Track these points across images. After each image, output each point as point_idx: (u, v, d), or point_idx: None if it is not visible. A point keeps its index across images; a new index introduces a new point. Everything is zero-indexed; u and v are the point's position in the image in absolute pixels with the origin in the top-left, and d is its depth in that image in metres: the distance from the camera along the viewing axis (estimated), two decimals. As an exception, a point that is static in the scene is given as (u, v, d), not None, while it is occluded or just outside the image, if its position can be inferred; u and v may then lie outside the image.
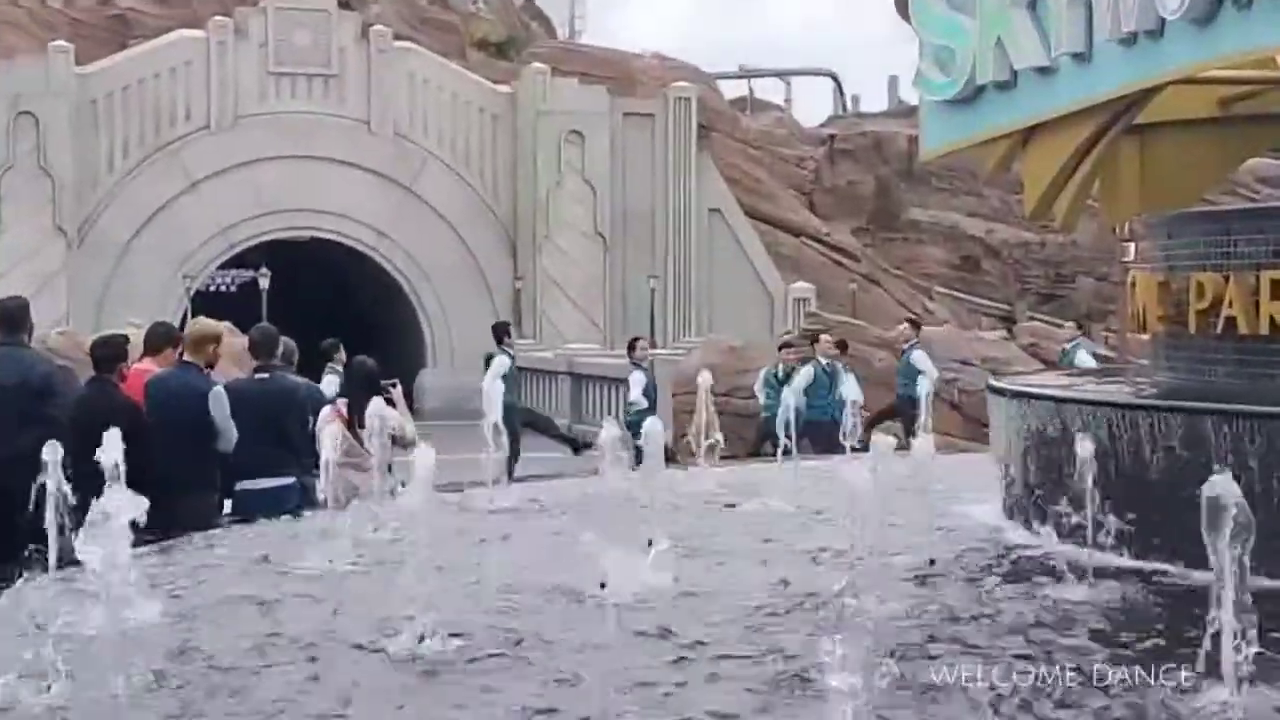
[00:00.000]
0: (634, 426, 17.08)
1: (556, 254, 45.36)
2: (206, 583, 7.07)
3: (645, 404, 17.87)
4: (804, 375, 16.73)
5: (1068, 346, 21.04)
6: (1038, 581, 6.55)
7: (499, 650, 5.51)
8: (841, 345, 19.61)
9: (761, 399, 19.46)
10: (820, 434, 14.80)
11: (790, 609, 6.16)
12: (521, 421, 19.74)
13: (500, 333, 20.64)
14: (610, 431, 6.83)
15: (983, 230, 57.28)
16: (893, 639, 5.45)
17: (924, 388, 15.34)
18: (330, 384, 18.54)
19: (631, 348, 20.53)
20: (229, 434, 9.34)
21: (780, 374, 18.76)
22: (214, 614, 6.33)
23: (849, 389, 11.90)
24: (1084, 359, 20.17)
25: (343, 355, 19.58)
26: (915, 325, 20.93)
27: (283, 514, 9.10)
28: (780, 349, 20.28)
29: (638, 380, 19.28)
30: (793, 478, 9.54)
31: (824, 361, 18.41)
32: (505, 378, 19.93)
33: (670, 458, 11.88)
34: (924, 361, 19.26)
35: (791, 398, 10.18)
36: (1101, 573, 6.50)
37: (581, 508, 8.88)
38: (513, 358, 20.42)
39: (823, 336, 20.14)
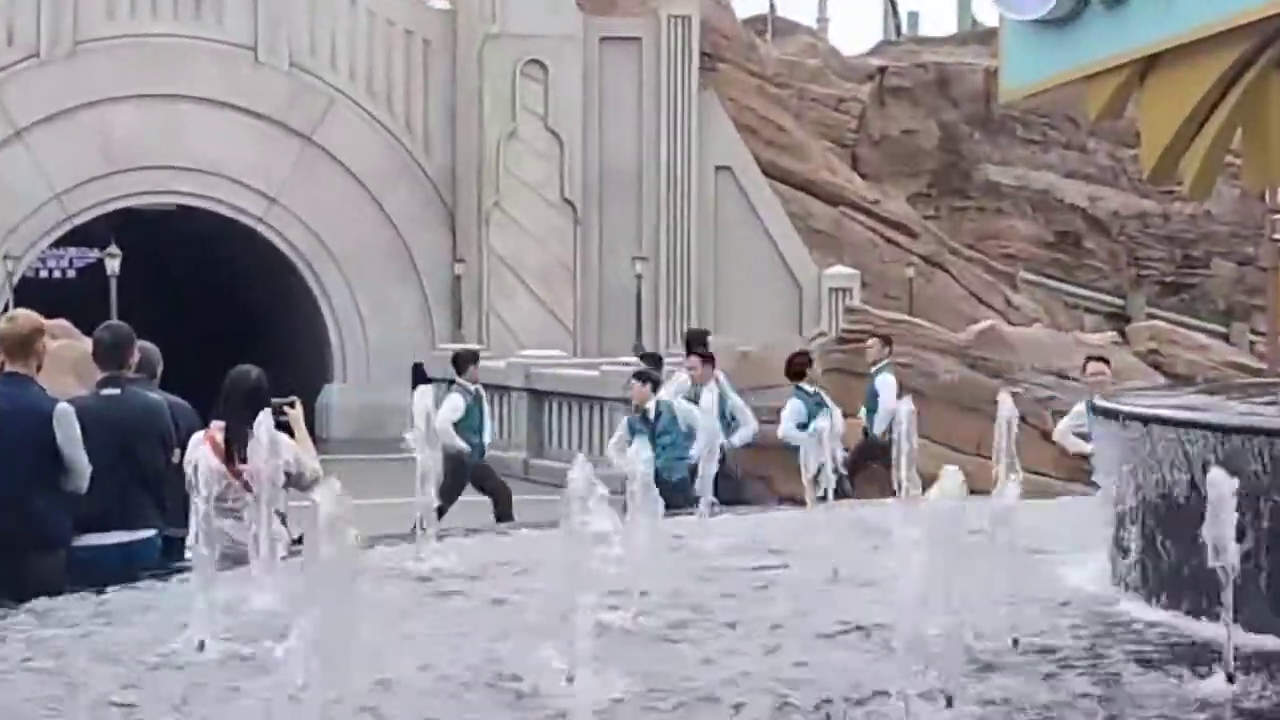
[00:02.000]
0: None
1: (510, 228, 45.33)
2: (29, 672, 7.03)
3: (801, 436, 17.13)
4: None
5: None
6: (1163, 671, 6.54)
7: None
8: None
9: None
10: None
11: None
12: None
13: (695, 341, 20.57)
14: (579, 471, 6.81)
15: (1085, 197, 57.42)
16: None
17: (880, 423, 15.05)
18: (454, 408, 18.51)
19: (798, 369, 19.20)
20: (80, 466, 9.28)
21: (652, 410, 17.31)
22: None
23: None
24: (885, 386, 20.03)
25: (476, 371, 19.58)
26: (886, 341, 20.91)
27: (138, 576, 9.06)
28: (637, 377, 17.62)
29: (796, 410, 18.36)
30: (829, 530, 9.54)
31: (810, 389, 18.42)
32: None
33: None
34: (887, 389, 19.48)
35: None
36: (1250, 661, 6.50)
37: (538, 569, 8.86)
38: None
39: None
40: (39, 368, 9.68)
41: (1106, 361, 18.66)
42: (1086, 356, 19.07)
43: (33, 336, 9.62)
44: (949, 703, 5.87)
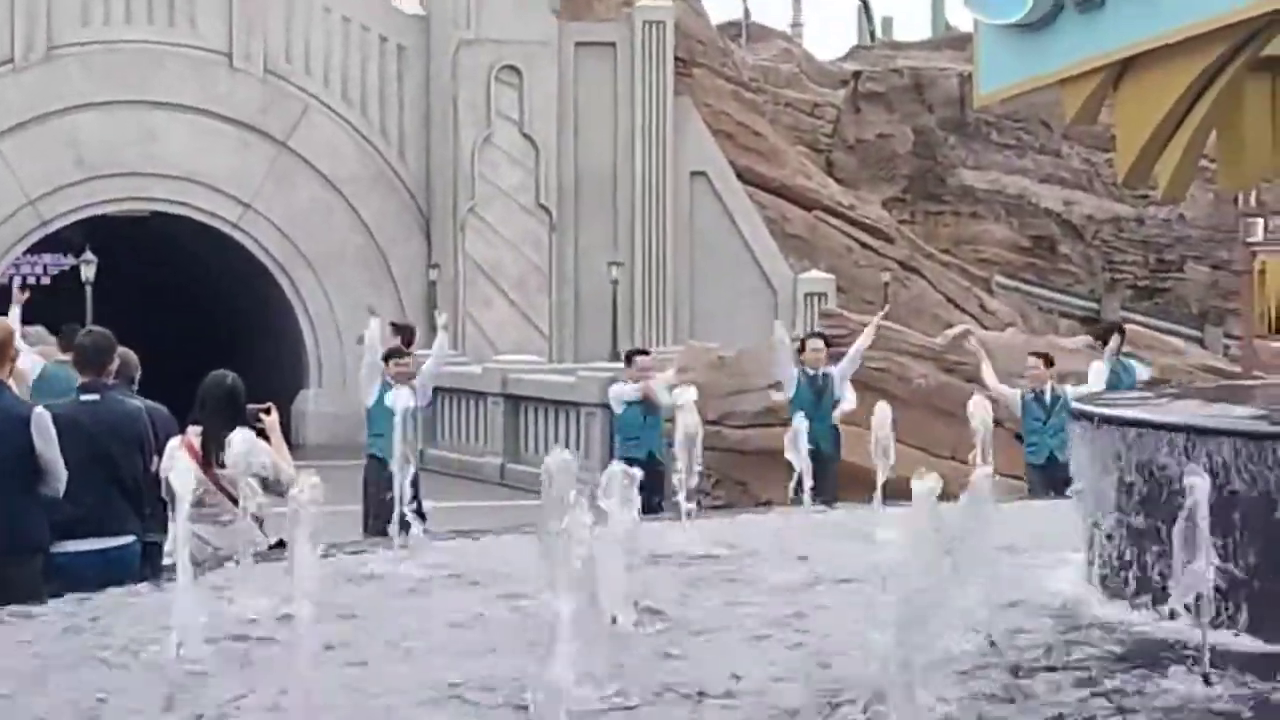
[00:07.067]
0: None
1: (485, 233, 45.29)
2: (9, 678, 7.03)
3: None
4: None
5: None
6: (1134, 673, 6.57)
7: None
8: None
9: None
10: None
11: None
12: None
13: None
14: (556, 463, 6.80)
15: (1060, 201, 57.50)
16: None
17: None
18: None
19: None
20: (58, 470, 9.24)
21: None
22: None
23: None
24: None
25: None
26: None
27: (118, 584, 9.04)
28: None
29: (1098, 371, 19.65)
30: (804, 533, 9.58)
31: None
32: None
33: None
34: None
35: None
36: (1224, 660, 6.53)
37: (515, 574, 8.88)
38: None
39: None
40: (10, 374, 9.66)
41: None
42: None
43: (6, 343, 9.59)
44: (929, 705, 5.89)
